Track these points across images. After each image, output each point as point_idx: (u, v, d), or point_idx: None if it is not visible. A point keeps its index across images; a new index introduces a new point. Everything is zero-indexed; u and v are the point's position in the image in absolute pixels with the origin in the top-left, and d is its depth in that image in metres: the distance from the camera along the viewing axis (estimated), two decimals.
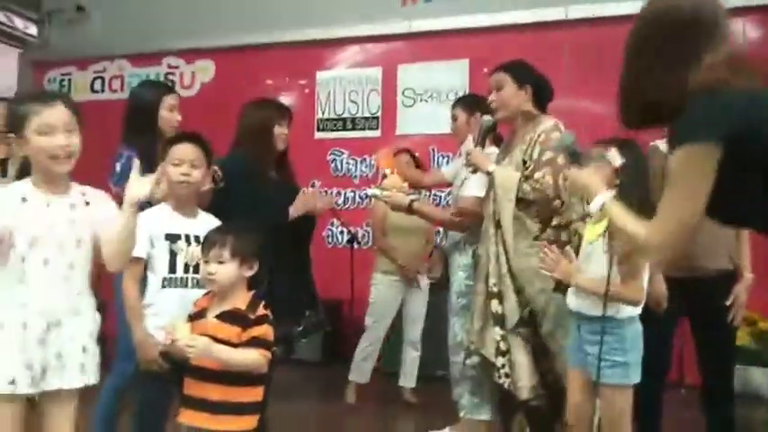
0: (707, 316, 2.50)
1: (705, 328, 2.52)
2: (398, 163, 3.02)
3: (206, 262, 1.83)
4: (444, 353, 3.18)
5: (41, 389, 1.66)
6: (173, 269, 2.02)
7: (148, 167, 2.32)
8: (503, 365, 2.32)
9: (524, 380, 2.28)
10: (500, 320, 2.34)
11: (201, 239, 1.95)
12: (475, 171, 2.52)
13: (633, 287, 1.98)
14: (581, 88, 4.23)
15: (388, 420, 3.61)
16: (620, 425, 2.00)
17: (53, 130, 1.64)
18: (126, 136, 2.51)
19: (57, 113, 1.65)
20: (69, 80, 5.77)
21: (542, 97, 2.50)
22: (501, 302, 2.35)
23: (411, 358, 3.82)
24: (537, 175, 2.31)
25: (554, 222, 2.31)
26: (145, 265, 2.04)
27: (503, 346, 2.33)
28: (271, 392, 2.37)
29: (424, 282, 3.82)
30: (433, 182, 3.42)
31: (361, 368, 3.78)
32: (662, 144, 2.57)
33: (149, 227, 2.04)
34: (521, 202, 2.32)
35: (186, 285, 2.02)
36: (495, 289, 2.36)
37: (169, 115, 2.55)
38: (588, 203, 2.09)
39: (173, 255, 2.03)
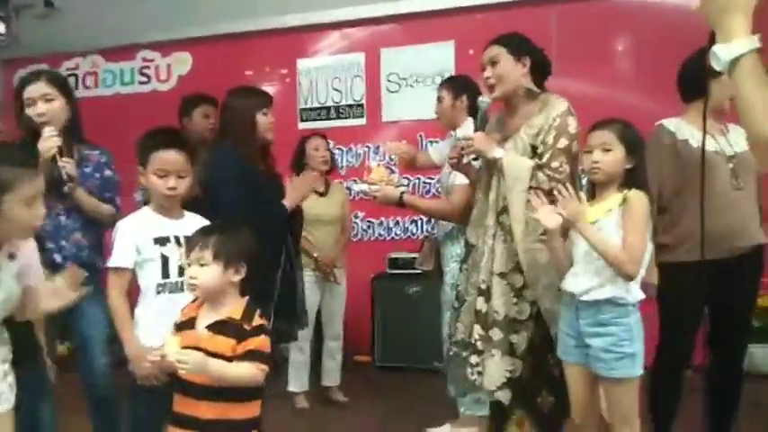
0: (735, 293, 2.44)
1: (731, 305, 2.46)
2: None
3: (188, 265, 1.72)
4: (438, 346, 3.12)
5: None
6: (166, 274, 1.95)
7: None
8: (477, 364, 2.25)
9: (489, 384, 2.20)
10: (482, 319, 2.25)
11: None
12: (476, 158, 2.35)
13: (633, 257, 1.85)
14: (571, 67, 4.12)
15: (384, 417, 3.54)
16: (632, 419, 1.93)
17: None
18: None
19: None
20: None
21: (541, 72, 2.34)
22: (487, 301, 2.24)
23: (333, 354, 3.68)
24: (554, 164, 2.16)
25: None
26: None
27: (480, 345, 2.25)
28: None
29: (342, 274, 3.66)
30: (421, 163, 3.29)
31: (298, 373, 3.55)
32: (669, 123, 2.48)
33: (134, 234, 1.95)
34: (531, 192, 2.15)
35: (182, 290, 1.91)
36: (483, 286, 2.26)
37: (28, 109, 2.28)
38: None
39: (164, 259, 1.95)
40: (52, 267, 2.08)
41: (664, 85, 2.72)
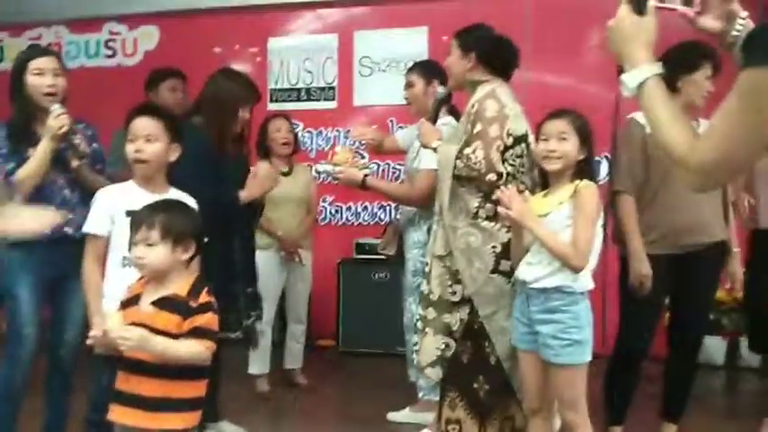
0: (697, 288, 2.49)
1: (692, 300, 2.51)
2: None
3: (135, 244, 1.67)
4: (400, 331, 3.11)
5: None
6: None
7: (18, 139, 2.24)
8: (416, 343, 2.37)
9: (422, 360, 2.31)
10: (423, 300, 2.34)
11: None
12: (425, 146, 2.44)
13: (581, 251, 1.87)
14: (545, 57, 4.12)
15: (345, 401, 3.53)
16: (578, 404, 1.96)
17: None
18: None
19: None
20: (2, 47, 5.38)
21: (496, 65, 2.34)
22: (428, 283, 2.32)
23: (296, 337, 3.63)
24: (467, 150, 2.21)
25: (495, 196, 2.14)
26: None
27: (419, 325, 2.34)
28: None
29: (307, 257, 3.59)
30: (387, 148, 3.29)
31: (260, 356, 3.38)
32: (639, 116, 2.49)
33: (109, 203, 1.97)
34: (459, 178, 2.23)
35: None
36: (426, 269, 2.36)
37: (35, 80, 2.26)
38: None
39: None
40: (65, 240, 2.19)
41: None
